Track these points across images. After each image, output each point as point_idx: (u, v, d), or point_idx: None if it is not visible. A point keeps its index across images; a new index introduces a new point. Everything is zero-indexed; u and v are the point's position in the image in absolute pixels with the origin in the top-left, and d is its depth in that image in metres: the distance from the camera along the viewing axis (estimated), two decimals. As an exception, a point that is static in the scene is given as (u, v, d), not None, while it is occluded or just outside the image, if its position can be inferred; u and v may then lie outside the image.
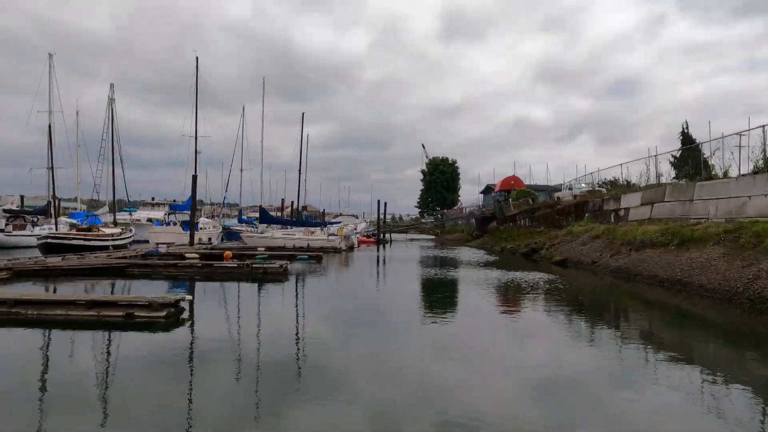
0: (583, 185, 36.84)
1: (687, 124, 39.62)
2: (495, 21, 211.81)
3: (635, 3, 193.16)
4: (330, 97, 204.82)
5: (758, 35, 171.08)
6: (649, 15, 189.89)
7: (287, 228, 39.14)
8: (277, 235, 37.08)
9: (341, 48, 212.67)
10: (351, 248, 41.49)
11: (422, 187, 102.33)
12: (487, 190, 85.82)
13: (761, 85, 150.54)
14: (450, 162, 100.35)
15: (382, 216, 60.90)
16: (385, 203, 62.26)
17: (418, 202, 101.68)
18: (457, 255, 36.73)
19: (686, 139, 38.82)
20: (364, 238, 59.02)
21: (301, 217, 41.96)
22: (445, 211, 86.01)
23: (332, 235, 37.22)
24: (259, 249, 34.28)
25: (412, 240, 76.85)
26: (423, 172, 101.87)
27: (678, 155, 28.68)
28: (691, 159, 25.43)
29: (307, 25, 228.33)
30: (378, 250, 45.60)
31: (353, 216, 76.01)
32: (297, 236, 36.85)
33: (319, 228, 39.87)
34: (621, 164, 31.05)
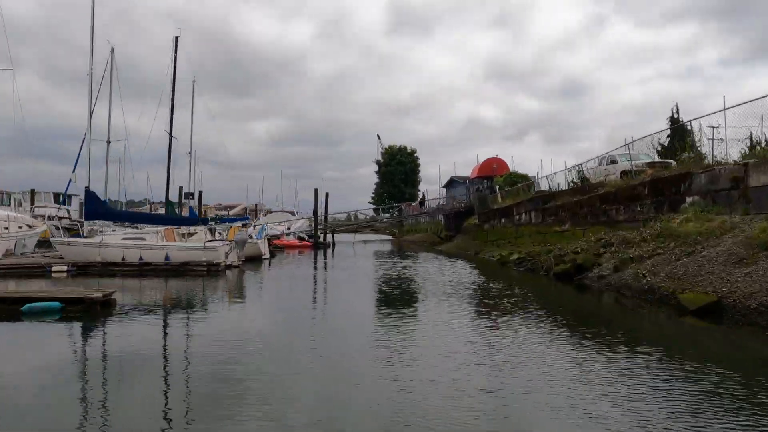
0: (642, 157, 21.93)
1: (677, 108, 33.57)
2: (443, 16, 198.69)
3: (578, 3, 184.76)
4: (278, 91, 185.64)
5: (691, 40, 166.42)
6: (590, 16, 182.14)
7: (140, 227, 22.50)
8: (114, 241, 20.37)
9: (285, 40, 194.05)
10: (259, 258, 25.39)
11: (377, 180, 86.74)
12: (452, 183, 70.98)
13: (696, 89, 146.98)
14: (409, 152, 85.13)
15: (321, 213, 44.78)
16: (327, 194, 46.31)
17: (373, 197, 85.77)
18: (429, 271, 21.34)
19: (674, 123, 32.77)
20: (295, 242, 42.61)
21: (173, 210, 25.17)
22: (404, 206, 70.03)
23: (213, 241, 20.76)
24: (54, 268, 17.72)
25: (365, 242, 60.98)
26: (378, 162, 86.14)
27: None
28: None
29: (247, 14, 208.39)
30: (313, 259, 29.47)
31: (289, 212, 59.27)
32: (150, 242, 20.24)
33: (204, 227, 23.27)
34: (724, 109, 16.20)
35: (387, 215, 77.36)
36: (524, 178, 36.51)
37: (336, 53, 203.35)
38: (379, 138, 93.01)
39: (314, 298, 15.16)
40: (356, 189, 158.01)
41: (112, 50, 31.42)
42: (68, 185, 23.76)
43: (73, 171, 28.60)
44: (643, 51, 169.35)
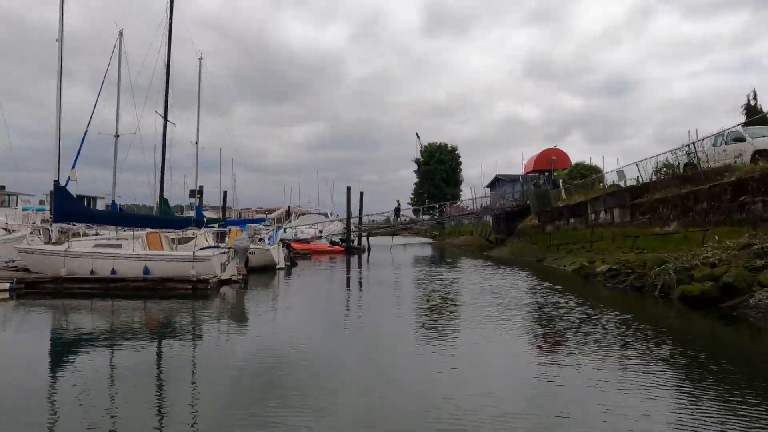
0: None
1: (755, 93, 29.52)
2: (480, 14, 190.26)
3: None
4: (315, 95, 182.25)
5: (743, 29, 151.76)
6: (635, 8, 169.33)
7: (119, 229, 17.75)
8: (82, 249, 15.70)
9: (321, 43, 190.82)
10: (272, 268, 20.41)
11: (416, 180, 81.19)
12: (497, 182, 64.57)
13: (752, 83, 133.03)
14: (449, 149, 79.26)
15: (355, 215, 39.65)
16: (361, 193, 41.29)
17: (412, 198, 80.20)
18: (490, 286, 15.68)
19: (753, 113, 29.13)
20: (325, 247, 37.66)
21: (168, 210, 20.36)
22: (446, 207, 64.08)
23: (206, 248, 15.71)
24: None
25: (404, 246, 55.55)
26: (417, 161, 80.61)
27: None
28: None
29: (282, 20, 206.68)
30: (343, 269, 24.31)
31: (322, 214, 54.55)
32: (125, 250, 15.40)
33: (203, 231, 18.39)
34: None
35: (427, 217, 71.83)
36: (594, 170, 30.25)
37: (372, 56, 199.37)
38: (418, 136, 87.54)
39: (331, 346, 9.86)
40: (396, 191, 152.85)
41: (120, 34, 27.29)
42: (66, 184, 19.45)
43: (73, 168, 24.15)
44: (691, 43, 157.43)
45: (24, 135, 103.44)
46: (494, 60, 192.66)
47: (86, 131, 21.20)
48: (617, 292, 14.75)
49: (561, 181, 30.50)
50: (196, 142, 24.34)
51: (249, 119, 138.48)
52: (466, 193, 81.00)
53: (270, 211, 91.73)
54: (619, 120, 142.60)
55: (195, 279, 14.26)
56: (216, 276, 14.63)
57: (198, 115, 24.48)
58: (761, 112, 30.39)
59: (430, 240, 79.34)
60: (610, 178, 27.87)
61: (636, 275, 15.07)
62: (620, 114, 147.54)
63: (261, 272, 19.95)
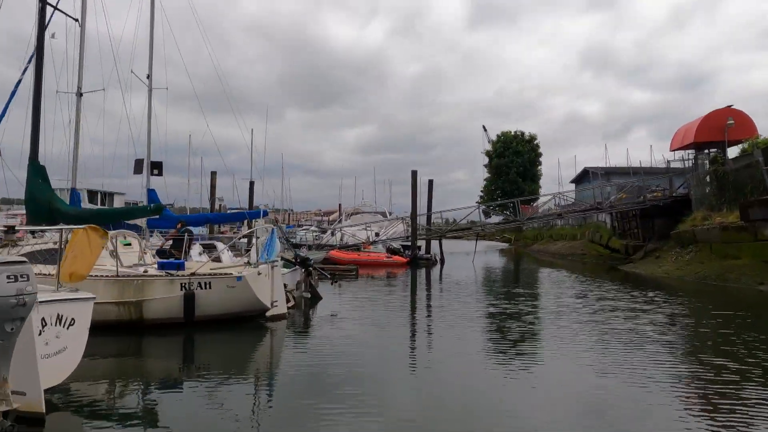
0: None
1: None
2: (529, 3, 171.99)
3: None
4: (363, 97, 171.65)
5: None
6: None
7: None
8: None
9: (364, 43, 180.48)
10: (258, 315, 9.15)
11: (486, 175, 68.29)
12: (585, 176, 50.25)
13: None
14: (527, 138, 65.85)
15: (422, 211, 27.75)
16: (430, 181, 29.51)
17: (482, 196, 67.12)
18: None
19: None
20: (381, 256, 26.06)
21: (44, 187, 9.20)
22: (528, 206, 49.69)
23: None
24: None
25: (485, 252, 42.88)
26: (488, 154, 67.70)
27: None
28: None
29: (323, 20, 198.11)
30: (408, 304, 12.36)
31: (379, 213, 42.92)
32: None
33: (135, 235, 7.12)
34: None
35: (500, 217, 58.38)
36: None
37: (418, 53, 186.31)
38: (485, 129, 74.81)
39: None
40: (453, 194, 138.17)
41: None
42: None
43: None
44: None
45: None
46: (548, 52, 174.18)
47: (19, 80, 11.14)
48: None
49: (762, 150, 17.13)
50: (148, 76, 13.71)
51: (300, 124, 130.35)
52: (547, 190, 67.06)
53: (328, 213, 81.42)
54: (691, 114, 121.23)
55: None
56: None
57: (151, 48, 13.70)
58: None
59: (505, 245, 66.24)
60: None
61: None
62: (692, 108, 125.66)
63: (229, 328, 8.60)
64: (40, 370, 4.36)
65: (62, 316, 4.89)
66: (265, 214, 14.07)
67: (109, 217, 9.97)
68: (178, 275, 8.62)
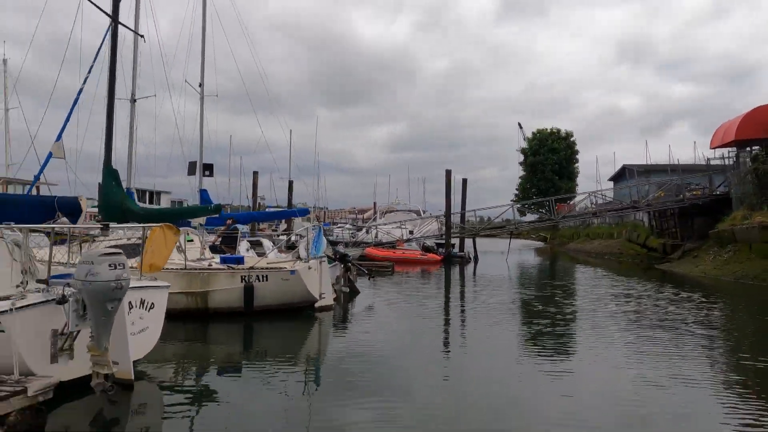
0: None
1: None
2: None
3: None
4: (391, 95, 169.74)
5: None
6: None
7: None
8: None
9: (389, 38, 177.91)
10: (308, 306, 10.03)
11: (521, 173, 67.97)
12: (624, 174, 49.43)
13: None
14: (563, 135, 65.22)
15: (457, 209, 28.36)
16: (464, 180, 29.99)
17: (517, 194, 66.90)
18: None
19: None
20: (416, 254, 26.79)
21: (118, 190, 10.30)
22: (558, 207, 48.82)
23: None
24: None
25: (520, 251, 43.02)
26: (524, 151, 67.33)
27: None
28: None
29: (347, 17, 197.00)
30: (442, 296, 13.10)
31: (413, 211, 43.60)
32: None
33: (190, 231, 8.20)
34: None
35: (535, 216, 58.10)
36: None
37: (444, 48, 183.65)
38: (521, 126, 74.19)
39: None
40: (485, 192, 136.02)
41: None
42: (46, 162, 10.83)
43: (58, 138, 15.10)
44: None
45: None
46: (581, 45, 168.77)
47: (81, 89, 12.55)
48: None
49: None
50: (200, 85, 14.83)
51: (330, 122, 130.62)
52: (584, 188, 66.12)
53: (362, 212, 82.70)
54: (735, 109, 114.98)
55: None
56: (20, 390, 4.20)
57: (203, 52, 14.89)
58: None
59: (540, 243, 65.75)
60: None
61: None
62: (736, 101, 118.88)
63: (284, 317, 9.55)
64: (129, 344, 5.26)
65: (144, 301, 5.84)
66: (308, 212, 15.04)
67: (174, 216, 11.08)
68: (238, 269, 9.64)
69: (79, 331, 4.64)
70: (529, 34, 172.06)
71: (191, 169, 15.00)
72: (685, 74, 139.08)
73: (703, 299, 13.15)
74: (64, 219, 6.02)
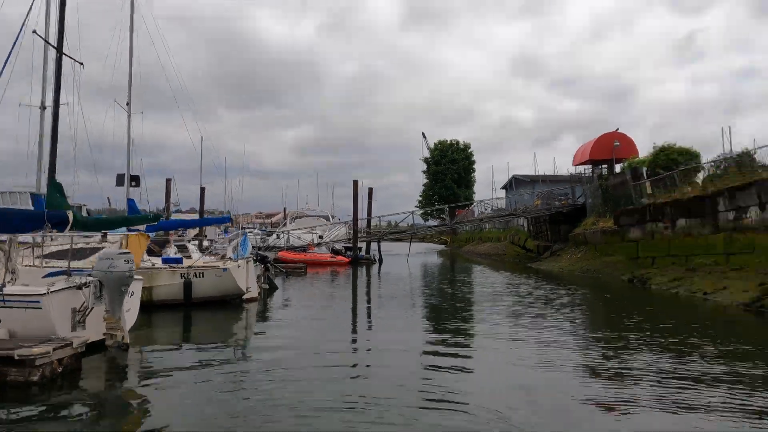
0: None
1: None
2: (460, 7, 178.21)
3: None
4: (298, 97, 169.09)
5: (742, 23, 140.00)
6: (627, 2, 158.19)
7: None
8: None
9: (296, 40, 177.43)
10: (236, 299, 12.05)
11: (425, 181, 72.82)
12: (514, 183, 56.01)
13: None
14: (462, 147, 70.92)
15: (362, 216, 31.17)
16: (370, 189, 32.92)
17: (420, 201, 71.80)
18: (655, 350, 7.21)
19: None
20: (326, 257, 29.12)
21: (58, 198, 11.62)
22: (458, 211, 54.17)
23: (54, 273, 7.07)
24: None
25: (425, 254, 46.94)
26: (426, 161, 72.22)
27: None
28: None
29: (252, 15, 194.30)
30: (350, 291, 15.55)
31: (322, 216, 45.91)
32: None
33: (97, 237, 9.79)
34: None
35: (437, 221, 62.96)
36: (689, 154, 21.73)
37: (351, 53, 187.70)
38: (425, 136, 79.27)
39: None
40: (394, 197, 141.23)
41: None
42: None
43: None
44: (684, 41, 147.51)
45: None
46: (482, 57, 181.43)
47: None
48: None
49: (644, 170, 21.95)
50: (128, 104, 16.01)
51: (234, 123, 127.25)
52: (482, 195, 72.50)
53: (270, 216, 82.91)
54: (614, 122, 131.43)
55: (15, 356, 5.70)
56: (48, 348, 5.98)
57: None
58: None
59: (441, 246, 70.94)
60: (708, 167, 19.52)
61: None
62: (615, 117, 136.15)
63: (214, 308, 11.47)
64: (125, 319, 7.15)
65: (129, 289, 7.73)
66: (230, 219, 16.92)
67: (119, 224, 12.43)
68: (179, 267, 11.44)
69: (91, 309, 6.51)
70: (433, 44, 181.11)
71: (119, 180, 16.12)
72: (572, 91, 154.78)
73: (554, 286, 17.00)
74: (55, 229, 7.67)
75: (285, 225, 46.52)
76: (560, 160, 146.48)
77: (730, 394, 5.70)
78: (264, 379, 6.28)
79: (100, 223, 11.01)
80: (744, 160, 16.13)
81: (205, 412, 5.06)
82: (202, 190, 32.19)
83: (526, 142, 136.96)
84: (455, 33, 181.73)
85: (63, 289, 6.24)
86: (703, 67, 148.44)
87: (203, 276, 11.53)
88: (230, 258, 12.59)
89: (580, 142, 35.98)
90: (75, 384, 5.82)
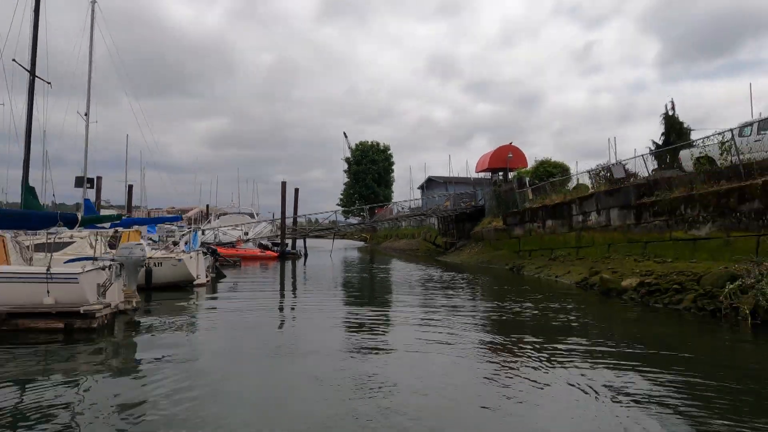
0: None
1: (673, 104, 26.58)
2: (381, 4, 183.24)
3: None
4: (210, 87, 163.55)
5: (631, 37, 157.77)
6: (535, 10, 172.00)
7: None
8: None
9: (204, 25, 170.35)
10: (189, 284, 14.62)
11: (346, 180, 76.15)
12: (429, 184, 61.13)
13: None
14: (382, 149, 75.04)
15: (290, 215, 33.94)
16: (296, 190, 35.60)
17: (341, 199, 75.10)
18: (500, 310, 11.08)
19: (671, 122, 26.89)
20: (256, 252, 31.62)
21: (35, 203, 13.60)
22: (378, 209, 58.21)
23: (79, 259, 9.68)
24: None
25: (345, 250, 50.18)
26: (347, 161, 75.60)
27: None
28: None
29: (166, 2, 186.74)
30: (279, 281, 18.55)
31: (247, 214, 47.74)
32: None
33: (84, 233, 12.10)
34: None
35: (358, 219, 66.59)
36: (562, 168, 26.91)
37: (267, 43, 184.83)
38: (346, 136, 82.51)
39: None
40: (314, 193, 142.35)
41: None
42: None
43: None
44: (583, 52, 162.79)
45: None
46: (399, 55, 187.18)
47: None
48: (668, 316, 10.67)
49: (527, 179, 26.85)
50: (86, 114, 17.80)
51: (138, 111, 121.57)
52: (400, 193, 76.98)
53: (184, 212, 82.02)
54: (523, 126, 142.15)
55: (60, 311, 8.34)
56: (101, 305, 8.68)
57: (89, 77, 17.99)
58: (680, 122, 28.62)
59: (361, 243, 74.71)
60: (578, 178, 24.66)
61: (694, 293, 11.15)
62: (524, 121, 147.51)
63: (171, 292, 14.00)
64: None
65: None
66: (180, 218, 19.21)
67: (90, 222, 14.31)
68: (144, 258, 13.86)
69: (111, 284, 9.14)
70: (350, 39, 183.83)
71: (78, 182, 17.84)
72: (485, 94, 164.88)
73: (455, 273, 21.05)
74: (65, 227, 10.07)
75: (209, 222, 47.86)
76: (472, 161, 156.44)
77: (564, 334, 9.61)
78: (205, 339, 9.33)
79: (89, 221, 13.22)
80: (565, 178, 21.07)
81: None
82: (130, 187, 33.20)
83: (442, 141, 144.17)
84: (373, 29, 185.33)
85: (92, 269, 8.82)
86: (600, 77, 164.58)
87: (161, 265, 14.05)
88: (183, 251, 15.14)
89: (493, 144, 41.23)
90: (114, 330, 8.60)
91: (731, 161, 14.42)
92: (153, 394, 5.50)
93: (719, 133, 15.29)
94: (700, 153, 15.85)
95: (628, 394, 5.55)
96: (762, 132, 14.57)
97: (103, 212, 31.92)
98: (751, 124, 15.15)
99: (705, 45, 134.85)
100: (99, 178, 32.84)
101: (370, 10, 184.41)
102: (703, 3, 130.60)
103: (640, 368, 6.56)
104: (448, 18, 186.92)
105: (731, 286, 10.35)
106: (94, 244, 12.94)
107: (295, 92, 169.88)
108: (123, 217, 15.45)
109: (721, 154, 14.61)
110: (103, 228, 13.71)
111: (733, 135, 14.41)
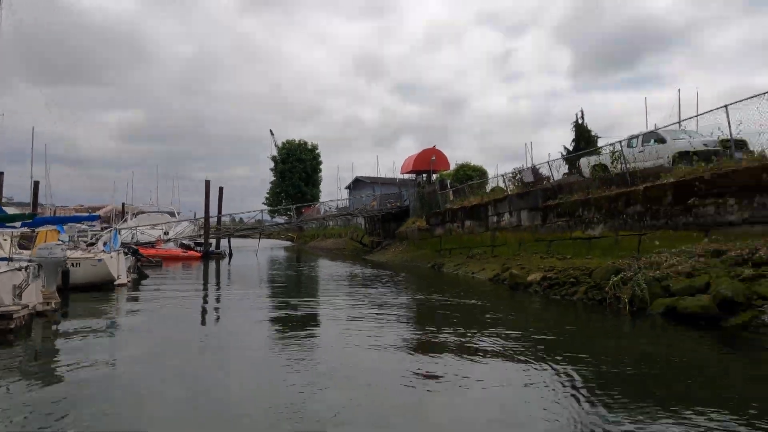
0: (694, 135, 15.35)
1: (582, 113, 29.37)
2: (309, 0, 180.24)
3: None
4: (122, 76, 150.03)
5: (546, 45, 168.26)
6: (456, 16, 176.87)
7: None
8: None
9: (113, 8, 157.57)
10: (109, 284, 14.30)
11: (272, 178, 75.22)
12: (357, 184, 62.25)
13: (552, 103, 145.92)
14: (309, 147, 74.87)
15: (213, 214, 33.25)
16: (221, 188, 34.90)
17: (268, 198, 74.09)
18: (425, 305, 12.02)
19: (580, 130, 30.02)
20: (178, 252, 30.79)
21: None
22: (305, 209, 58.09)
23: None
24: None
25: (271, 249, 49.60)
26: (274, 159, 74.73)
27: None
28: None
29: None
30: (202, 281, 18.37)
31: (167, 213, 45.89)
32: None
33: None
34: None
35: (284, 218, 65.94)
36: (480, 171, 28.67)
37: (186, 32, 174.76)
38: (272, 133, 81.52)
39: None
40: (236, 190, 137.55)
41: None
42: None
43: None
44: (503, 57, 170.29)
45: None
46: (325, 53, 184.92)
47: None
48: (565, 306, 12.12)
49: (449, 182, 28.34)
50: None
51: (37, 100, 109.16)
52: (328, 192, 77.19)
53: (95, 210, 77.25)
54: (448, 128, 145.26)
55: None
56: (18, 307, 8.48)
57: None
58: (589, 130, 31.78)
59: (288, 242, 74.09)
60: (497, 180, 26.49)
61: (586, 286, 12.70)
62: (449, 122, 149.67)
63: (90, 293, 13.63)
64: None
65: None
66: (97, 218, 18.49)
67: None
68: (59, 258, 13.37)
69: (29, 285, 8.94)
70: (275, 33, 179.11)
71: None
72: (412, 96, 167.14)
73: (379, 271, 21.87)
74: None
75: (126, 221, 45.58)
76: (399, 162, 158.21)
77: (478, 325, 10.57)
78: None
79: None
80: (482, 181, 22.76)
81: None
82: (36, 183, 31.05)
83: (369, 141, 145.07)
84: (298, 24, 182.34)
85: (7, 270, 8.61)
86: (519, 84, 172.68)
87: (80, 266, 13.64)
88: (103, 250, 14.74)
89: (419, 145, 42.51)
90: (32, 332, 8.40)
91: (621, 169, 16.38)
92: (70, 398, 5.60)
93: (611, 144, 17.27)
94: (596, 161, 17.79)
95: (532, 380, 6.47)
96: (645, 144, 16.69)
97: (6, 210, 29.73)
98: (636, 136, 17.27)
99: (611, 58, 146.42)
100: (0, 174, 30.75)
101: (296, 4, 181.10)
102: (609, 18, 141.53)
103: (543, 354, 7.62)
104: (375, 18, 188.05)
105: (615, 278, 11.92)
106: (2, 244, 12.41)
107: (216, 86, 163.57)
108: (36, 216, 14.71)
109: (612, 163, 16.54)
110: (14, 227, 13.09)
111: (621, 146, 16.37)
